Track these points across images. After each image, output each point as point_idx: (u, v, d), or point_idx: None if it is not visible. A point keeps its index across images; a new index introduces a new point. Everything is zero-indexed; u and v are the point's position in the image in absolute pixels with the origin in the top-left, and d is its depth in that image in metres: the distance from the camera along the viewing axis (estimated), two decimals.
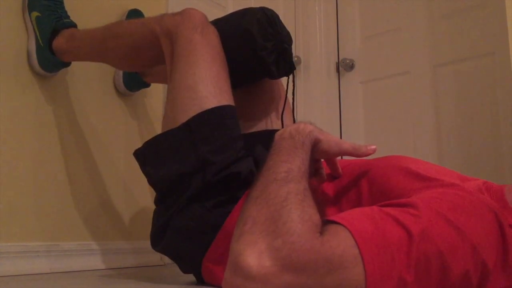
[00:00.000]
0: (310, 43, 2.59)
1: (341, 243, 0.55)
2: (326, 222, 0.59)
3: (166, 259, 1.68)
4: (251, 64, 1.12)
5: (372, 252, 0.54)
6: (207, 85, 1.01)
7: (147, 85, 1.62)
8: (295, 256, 0.54)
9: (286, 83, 1.27)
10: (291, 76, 1.20)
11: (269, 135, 1.16)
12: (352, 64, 2.53)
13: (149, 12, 1.62)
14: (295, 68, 1.19)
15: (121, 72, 1.58)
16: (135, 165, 1.09)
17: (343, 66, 2.55)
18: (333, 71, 2.60)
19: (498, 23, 1.98)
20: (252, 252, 0.55)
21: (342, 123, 2.55)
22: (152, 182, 1.05)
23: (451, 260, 0.58)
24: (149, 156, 1.05)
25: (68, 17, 1.35)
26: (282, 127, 1.20)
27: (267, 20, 1.10)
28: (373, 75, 2.45)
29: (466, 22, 2.10)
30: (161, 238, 1.02)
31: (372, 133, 2.42)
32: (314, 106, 2.53)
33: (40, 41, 1.31)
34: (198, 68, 1.01)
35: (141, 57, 1.18)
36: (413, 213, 0.60)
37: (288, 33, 1.16)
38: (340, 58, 2.58)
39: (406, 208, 0.61)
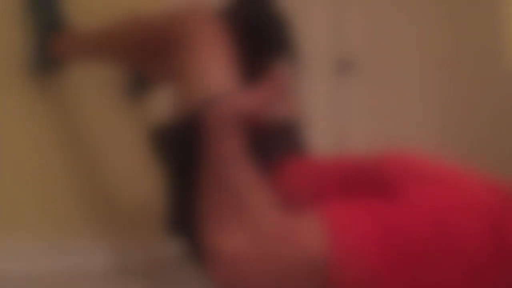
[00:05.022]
0: (310, 43, 2.59)
1: (308, 221, 0.58)
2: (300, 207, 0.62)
3: (166, 259, 1.68)
4: (255, 49, 1.12)
5: (339, 234, 0.56)
6: (216, 73, 1.02)
7: (153, 90, 1.62)
8: (261, 232, 0.58)
9: (289, 77, 1.26)
10: (293, 67, 1.21)
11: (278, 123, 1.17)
12: (352, 64, 2.53)
13: (148, 12, 1.62)
14: (299, 50, 1.19)
15: (126, 77, 1.58)
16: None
17: (343, 66, 2.55)
18: (333, 71, 2.60)
19: (498, 23, 1.98)
20: (222, 238, 0.59)
21: (342, 123, 2.55)
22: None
23: (430, 256, 0.58)
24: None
25: (65, 18, 1.35)
26: (287, 113, 1.19)
27: (268, 5, 1.11)
28: (373, 75, 2.45)
29: (466, 22, 2.11)
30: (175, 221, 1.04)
31: (372, 133, 2.41)
32: (314, 106, 2.53)
33: (37, 42, 1.31)
34: (207, 57, 1.02)
35: (144, 54, 1.18)
36: (391, 207, 0.61)
37: (289, 17, 1.16)
38: (340, 58, 2.58)
39: (386, 202, 0.62)
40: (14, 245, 1.24)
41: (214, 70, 1.03)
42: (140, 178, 1.56)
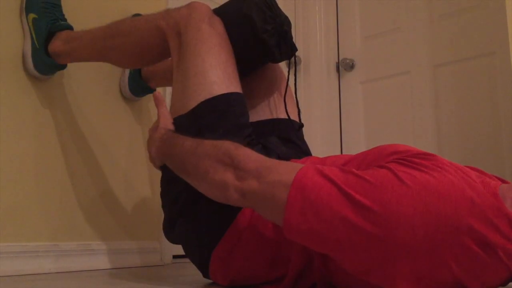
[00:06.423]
0: (310, 43, 2.59)
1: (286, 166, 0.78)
2: None
3: (166, 259, 1.68)
4: (254, 48, 1.11)
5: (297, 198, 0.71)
6: (216, 71, 1.01)
7: (153, 91, 1.62)
8: (247, 174, 0.79)
9: (287, 77, 1.26)
10: (291, 70, 1.20)
11: (279, 123, 1.17)
12: (352, 64, 2.53)
13: (148, 12, 1.62)
14: (296, 50, 1.18)
15: (126, 78, 1.57)
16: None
17: (343, 66, 2.55)
18: (333, 71, 2.60)
19: (498, 23, 1.98)
20: (228, 185, 0.80)
21: (342, 123, 2.55)
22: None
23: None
24: None
25: (65, 19, 1.35)
26: (287, 112, 1.18)
27: (265, 4, 1.10)
28: (373, 75, 2.45)
29: (466, 22, 2.11)
30: (172, 228, 1.03)
31: (372, 133, 2.42)
32: (314, 105, 2.53)
33: (36, 43, 1.31)
34: (207, 55, 1.02)
35: (146, 54, 1.18)
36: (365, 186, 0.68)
37: (286, 17, 1.15)
38: (340, 58, 2.58)
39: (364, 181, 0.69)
40: (15, 245, 1.24)
41: (216, 66, 1.02)
42: (141, 179, 1.56)
